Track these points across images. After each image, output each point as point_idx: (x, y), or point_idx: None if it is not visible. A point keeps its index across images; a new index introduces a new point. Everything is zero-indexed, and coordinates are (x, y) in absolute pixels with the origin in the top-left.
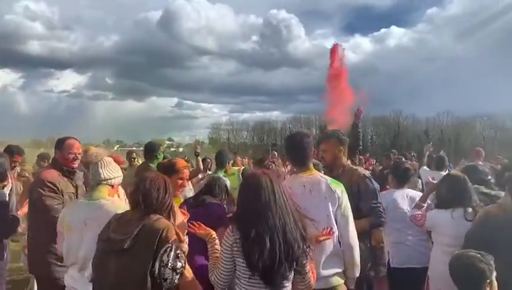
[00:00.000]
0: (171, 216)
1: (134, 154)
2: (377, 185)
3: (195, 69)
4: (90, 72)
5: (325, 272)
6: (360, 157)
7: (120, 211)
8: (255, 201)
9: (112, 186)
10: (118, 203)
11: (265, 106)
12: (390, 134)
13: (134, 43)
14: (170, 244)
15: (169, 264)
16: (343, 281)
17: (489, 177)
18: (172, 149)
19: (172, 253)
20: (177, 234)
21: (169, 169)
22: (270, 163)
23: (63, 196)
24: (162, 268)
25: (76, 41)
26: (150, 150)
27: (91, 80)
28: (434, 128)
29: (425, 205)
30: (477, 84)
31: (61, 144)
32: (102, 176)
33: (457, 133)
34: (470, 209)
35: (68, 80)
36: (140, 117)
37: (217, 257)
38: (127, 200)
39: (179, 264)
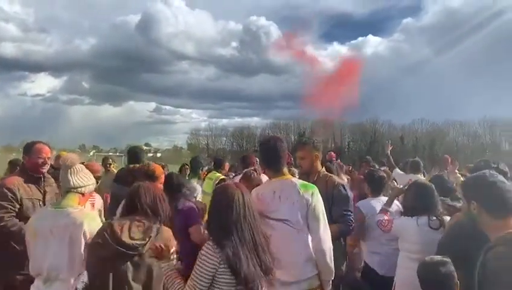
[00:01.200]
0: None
1: (110, 160)
2: (350, 193)
3: (174, 74)
4: (66, 76)
5: (299, 276)
6: (341, 164)
7: (88, 220)
8: (228, 215)
9: (83, 194)
10: (87, 212)
11: (245, 112)
12: (366, 140)
13: (112, 47)
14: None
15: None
16: (318, 283)
17: (455, 189)
18: (150, 155)
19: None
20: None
21: (149, 176)
22: (252, 171)
23: (21, 204)
24: None
25: (52, 44)
26: (135, 154)
27: (67, 84)
28: (409, 135)
29: (393, 209)
30: (450, 92)
31: (29, 149)
32: (71, 183)
33: (432, 140)
34: (434, 218)
35: (43, 84)
36: (118, 122)
37: (178, 278)
38: (102, 208)
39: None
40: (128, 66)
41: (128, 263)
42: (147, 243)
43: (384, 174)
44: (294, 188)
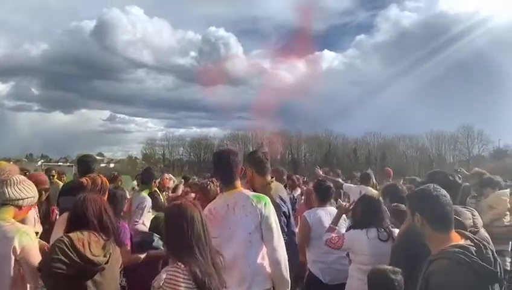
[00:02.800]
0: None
1: (54, 171)
2: (284, 209)
3: (129, 82)
4: (14, 81)
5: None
6: (297, 176)
7: (19, 235)
8: (190, 234)
9: (20, 207)
10: (19, 226)
11: (203, 122)
12: (322, 152)
13: (65, 53)
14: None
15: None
16: None
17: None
18: (102, 165)
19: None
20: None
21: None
22: (209, 183)
23: None
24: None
25: None
26: (85, 164)
27: (14, 90)
28: (362, 148)
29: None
30: (400, 107)
31: None
32: (7, 195)
33: (383, 153)
34: (382, 230)
35: None
36: (69, 130)
37: None
38: (37, 221)
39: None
40: (82, 72)
41: (89, 280)
42: (108, 259)
43: (331, 185)
44: (247, 200)
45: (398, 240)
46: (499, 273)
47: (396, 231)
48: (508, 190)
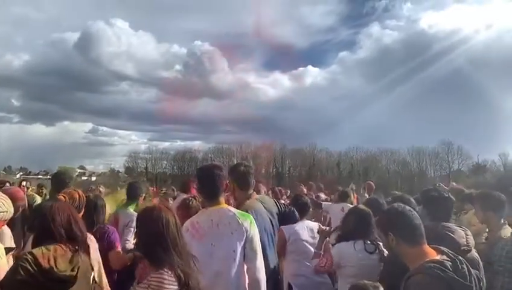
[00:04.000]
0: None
1: (26, 182)
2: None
3: (113, 94)
4: None
5: None
6: (279, 188)
7: None
8: (166, 237)
9: None
10: None
11: (187, 135)
12: (306, 166)
13: (47, 64)
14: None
15: None
16: None
17: None
18: (84, 178)
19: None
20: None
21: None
22: (191, 199)
23: None
24: None
25: None
26: (60, 181)
27: None
28: (345, 162)
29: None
30: (382, 122)
31: None
32: None
33: (366, 167)
34: (368, 242)
35: None
36: (50, 143)
37: None
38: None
39: None
40: (64, 84)
41: None
42: (76, 274)
43: (307, 201)
44: (233, 218)
45: (389, 255)
46: (474, 288)
47: (381, 244)
48: None
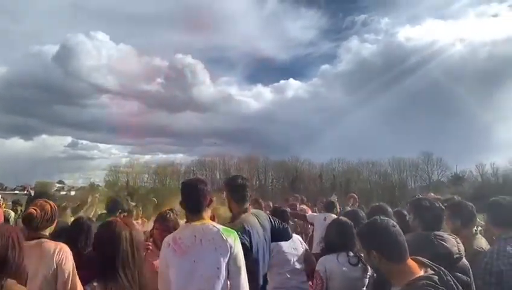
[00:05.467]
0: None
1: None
2: (245, 241)
3: (93, 107)
4: None
5: None
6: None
7: None
8: (111, 252)
9: None
10: None
11: (169, 148)
12: (289, 178)
13: (25, 77)
14: None
15: None
16: None
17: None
18: (63, 193)
19: None
20: None
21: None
22: (168, 212)
23: None
24: None
25: None
26: (41, 193)
27: None
28: (327, 173)
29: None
30: (363, 134)
31: None
32: None
33: (347, 178)
34: (351, 254)
35: None
36: (27, 157)
37: None
38: None
39: None
40: (43, 97)
41: None
42: None
43: (287, 209)
44: (217, 233)
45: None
46: None
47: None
48: None
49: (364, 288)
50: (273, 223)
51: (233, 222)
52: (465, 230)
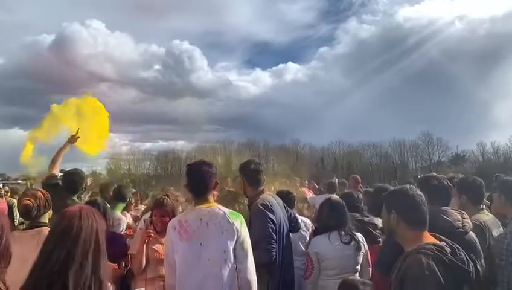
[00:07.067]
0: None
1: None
2: (271, 216)
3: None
4: None
5: None
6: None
7: None
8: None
9: None
10: None
11: (170, 135)
12: (290, 162)
13: (22, 67)
14: None
15: None
16: None
17: (362, 204)
18: None
19: None
20: None
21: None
22: (164, 197)
23: None
24: None
25: None
26: (71, 180)
27: None
28: (328, 156)
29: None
30: (363, 115)
31: None
32: None
33: (349, 161)
34: (342, 233)
35: None
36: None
37: None
38: None
39: None
40: (40, 87)
41: None
42: None
43: (293, 193)
44: (223, 217)
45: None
46: (471, 274)
47: (358, 235)
48: None
49: (359, 266)
50: (288, 212)
51: (251, 204)
52: (472, 207)
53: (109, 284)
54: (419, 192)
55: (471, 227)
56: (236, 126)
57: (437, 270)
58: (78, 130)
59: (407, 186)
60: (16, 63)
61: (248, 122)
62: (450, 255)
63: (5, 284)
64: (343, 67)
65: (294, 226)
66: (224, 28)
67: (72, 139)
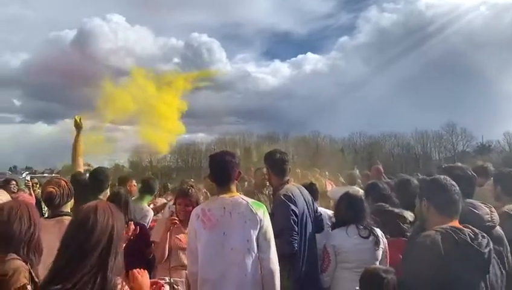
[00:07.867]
0: (34, 254)
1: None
2: (294, 207)
3: None
4: None
5: None
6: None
7: None
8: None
9: None
10: None
11: (190, 128)
12: (309, 153)
13: (46, 63)
14: None
15: None
16: None
17: (390, 193)
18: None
19: None
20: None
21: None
22: (189, 187)
23: None
24: None
25: None
26: (98, 179)
27: None
28: (349, 148)
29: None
30: (384, 106)
31: None
32: None
33: (370, 152)
34: (361, 227)
35: None
36: (53, 141)
37: None
38: None
39: None
40: (63, 82)
41: None
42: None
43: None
44: (246, 206)
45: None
46: (487, 260)
47: (377, 230)
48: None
49: (377, 262)
50: (314, 206)
51: (276, 194)
52: (507, 197)
53: (119, 280)
54: (452, 182)
55: (499, 221)
56: (255, 118)
57: (440, 243)
58: (80, 118)
59: (442, 176)
60: (39, 58)
61: (267, 114)
62: (465, 235)
63: (38, 277)
64: (364, 57)
65: (317, 227)
66: (242, 19)
67: (77, 127)
